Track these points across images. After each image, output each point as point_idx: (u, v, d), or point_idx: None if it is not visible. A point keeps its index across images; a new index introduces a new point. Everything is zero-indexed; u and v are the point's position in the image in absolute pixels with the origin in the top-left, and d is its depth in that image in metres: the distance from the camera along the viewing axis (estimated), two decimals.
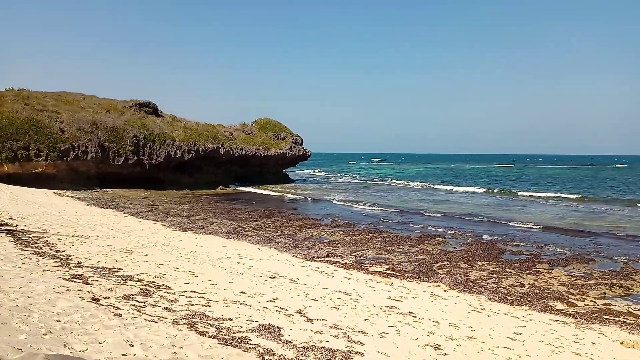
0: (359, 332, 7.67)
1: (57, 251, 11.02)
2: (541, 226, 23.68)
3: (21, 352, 3.57)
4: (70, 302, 6.44)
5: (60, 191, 31.22)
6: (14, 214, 17.19)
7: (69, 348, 4.41)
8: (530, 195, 41.29)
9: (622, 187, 50.39)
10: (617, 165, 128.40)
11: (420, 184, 55.92)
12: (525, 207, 33.24)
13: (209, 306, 7.95)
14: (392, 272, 13.86)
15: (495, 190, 46.05)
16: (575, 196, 39.31)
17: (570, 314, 10.53)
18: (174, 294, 8.54)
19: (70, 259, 10.23)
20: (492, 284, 12.84)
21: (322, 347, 6.46)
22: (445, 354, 7.12)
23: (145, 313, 6.81)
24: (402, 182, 59.38)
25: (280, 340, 6.53)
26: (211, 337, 6.14)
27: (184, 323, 6.60)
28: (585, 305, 11.34)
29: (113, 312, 6.41)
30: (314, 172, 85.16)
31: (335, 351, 6.39)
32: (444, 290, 12.08)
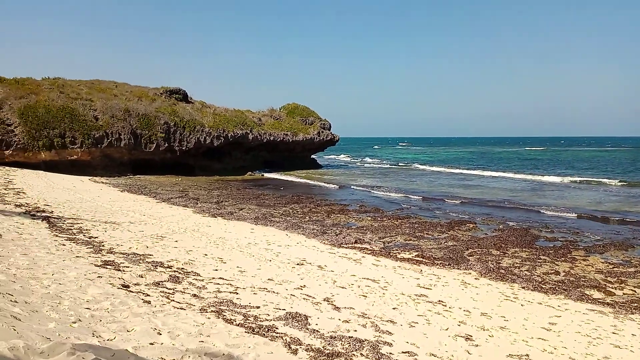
0: (387, 321, 7.54)
1: (90, 237, 11.27)
2: (577, 212, 22.85)
3: (49, 342, 3.59)
4: (100, 289, 6.54)
5: (95, 177, 32.05)
6: (50, 200, 17.71)
7: (97, 337, 4.45)
8: (565, 180, 39.91)
9: None
10: None
11: (449, 169, 54.69)
12: (560, 191, 32.16)
13: (237, 293, 7.97)
14: (422, 259, 13.63)
15: (528, 175, 44.74)
16: (613, 181, 37.77)
17: (608, 304, 10.12)
18: (202, 280, 8.61)
19: (103, 245, 10.44)
20: (526, 272, 12.47)
21: (349, 337, 6.37)
22: (477, 345, 6.92)
23: (173, 300, 6.87)
24: (430, 166, 58.38)
25: (307, 329, 6.47)
26: (238, 325, 6.13)
27: (212, 311, 6.62)
28: (624, 294, 10.86)
29: (142, 299, 6.48)
30: (339, 157, 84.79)
31: (363, 341, 6.29)
32: (475, 278, 11.79)
